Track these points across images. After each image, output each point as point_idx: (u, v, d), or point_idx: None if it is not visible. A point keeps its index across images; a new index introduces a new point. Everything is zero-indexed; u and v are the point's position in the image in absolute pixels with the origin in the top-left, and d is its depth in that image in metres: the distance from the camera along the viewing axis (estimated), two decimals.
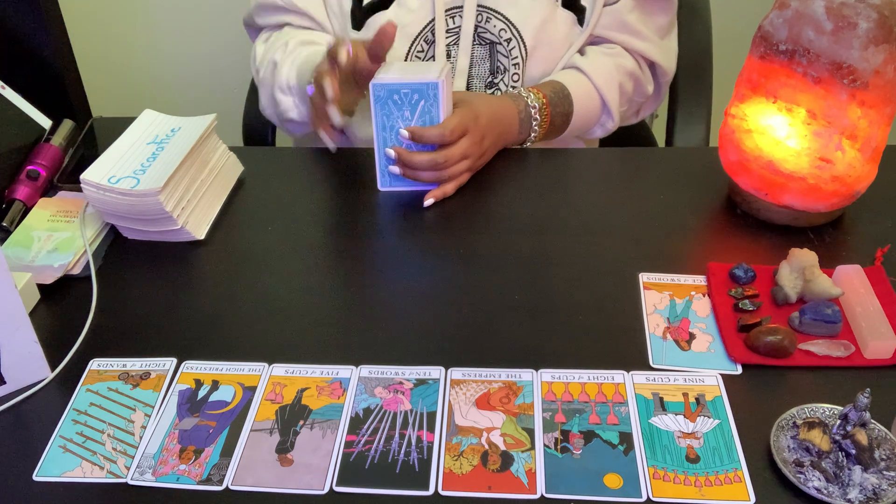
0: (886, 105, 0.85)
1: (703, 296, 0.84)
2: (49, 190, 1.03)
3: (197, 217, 0.96)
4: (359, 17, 1.15)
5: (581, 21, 1.16)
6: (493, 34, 1.14)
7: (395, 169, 0.99)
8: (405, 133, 0.96)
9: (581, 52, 1.18)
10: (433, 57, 1.14)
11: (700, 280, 0.86)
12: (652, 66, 1.23)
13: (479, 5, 1.13)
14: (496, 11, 1.13)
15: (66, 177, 1.04)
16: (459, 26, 1.13)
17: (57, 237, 0.93)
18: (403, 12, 1.12)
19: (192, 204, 0.95)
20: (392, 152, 0.98)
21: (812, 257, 0.83)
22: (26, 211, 0.98)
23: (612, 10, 1.16)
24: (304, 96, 1.10)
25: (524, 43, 1.14)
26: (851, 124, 0.85)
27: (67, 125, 1.09)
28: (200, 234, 0.95)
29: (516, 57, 1.15)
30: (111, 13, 1.96)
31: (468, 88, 1.16)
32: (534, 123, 1.09)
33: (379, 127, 0.97)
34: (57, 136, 1.07)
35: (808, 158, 0.88)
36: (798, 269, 0.82)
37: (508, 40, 1.14)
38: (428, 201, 0.99)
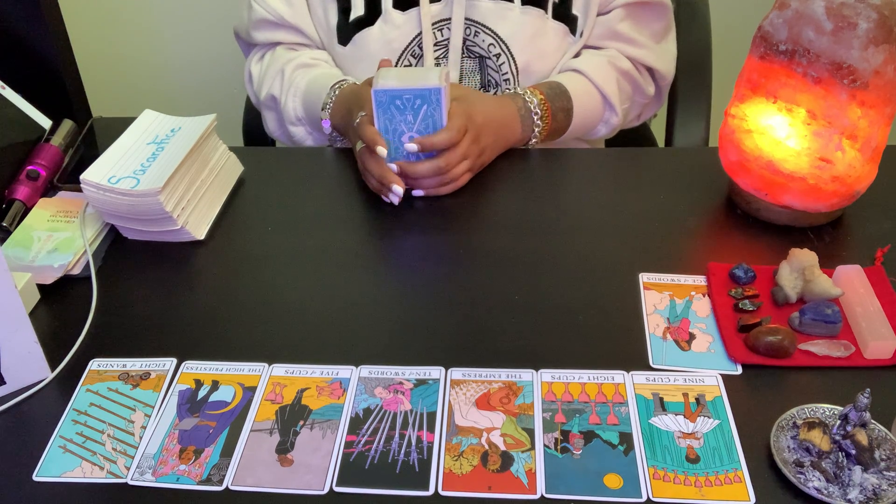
0: (886, 105, 0.85)
1: (703, 296, 0.84)
2: (49, 190, 1.03)
3: (197, 217, 0.96)
4: (345, 33, 1.14)
5: (573, 31, 1.15)
6: (482, 48, 1.13)
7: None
8: (413, 147, 0.95)
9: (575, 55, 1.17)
10: None
11: (700, 280, 0.86)
12: (650, 70, 1.22)
13: (466, 18, 1.11)
14: (484, 26, 1.12)
15: (66, 177, 1.04)
16: (448, 39, 1.12)
17: (57, 237, 0.93)
18: (389, 27, 1.12)
19: (192, 204, 0.95)
20: (395, 166, 0.97)
21: (812, 257, 0.83)
22: (26, 211, 0.98)
23: (604, 21, 1.15)
24: (316, 124, 1.13)
25: (514, 60, 1.13)
26: (851, 124, 0.85)
27: (67, 125, 1.09)
28: (200, 234, 0.95)
29: (507, 73, 1.14)
30: (111, 13, 1.95)
31: None
32: (535, 118, 1.08)
33: (381, 131, 0.97)
34: (57, 136, 1.07)
35: (808, 158, 0.88)
36: (798, 270, 0.82)
37: (497, 55, 1.13)
38: (418, 192, 0.99)
